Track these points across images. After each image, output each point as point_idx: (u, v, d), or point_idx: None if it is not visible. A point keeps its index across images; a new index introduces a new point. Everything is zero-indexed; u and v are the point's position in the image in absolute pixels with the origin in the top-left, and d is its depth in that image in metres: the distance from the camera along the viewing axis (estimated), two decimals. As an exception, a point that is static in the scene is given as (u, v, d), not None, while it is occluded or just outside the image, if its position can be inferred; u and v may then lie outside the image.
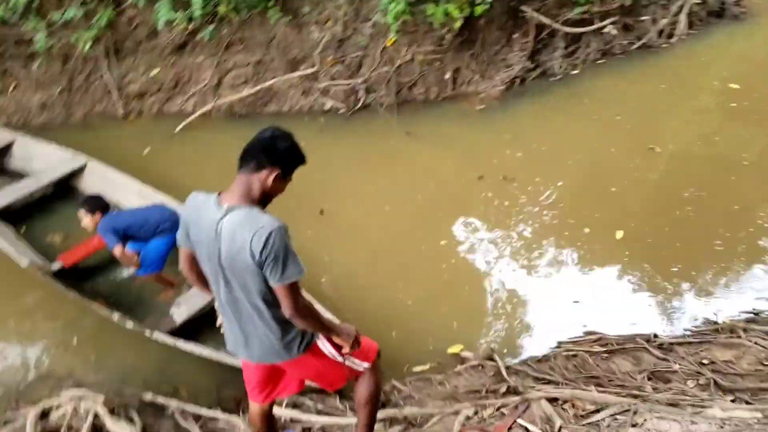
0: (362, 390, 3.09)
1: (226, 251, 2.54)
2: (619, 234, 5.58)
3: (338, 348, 2.90)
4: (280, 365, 2.89)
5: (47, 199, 6.25)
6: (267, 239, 2.43)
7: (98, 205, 5.07)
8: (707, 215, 5.74)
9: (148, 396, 4.34)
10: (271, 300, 2.63)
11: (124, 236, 4.94)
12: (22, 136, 6.70)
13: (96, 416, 3.91)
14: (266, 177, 2.57)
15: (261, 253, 2.44)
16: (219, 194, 2.66)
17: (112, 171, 6.14)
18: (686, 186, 6.07)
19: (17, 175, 6.57)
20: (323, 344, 2.88)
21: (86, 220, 5.04)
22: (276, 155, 2.59)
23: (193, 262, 2.83)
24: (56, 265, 5.30)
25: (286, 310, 2.57)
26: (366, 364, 3.00)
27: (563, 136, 6.84)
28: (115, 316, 4.76)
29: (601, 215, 5.85)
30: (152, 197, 5.75)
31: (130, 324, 4.69)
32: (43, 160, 6.49)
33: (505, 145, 6.78)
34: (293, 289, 2.54)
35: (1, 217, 5.82)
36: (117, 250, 4.87)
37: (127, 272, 5.47)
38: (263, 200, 2.64)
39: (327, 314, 4.22)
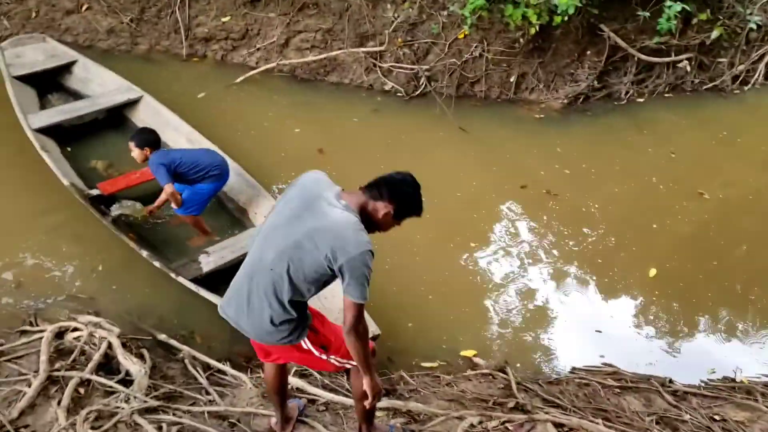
0: (357, 384, 3.10)
1: (317, 228, 2.62)
2: (653, 272, 5.50)
3: (322, 349, 2.93)
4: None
5: (98, 124, 6.32)
6: (363, 253, 2.58)
7: (150, 140, 5.05)
8: (745, 271, 5.61)
9: (162, 337, 4.40)
10: (297, 290, 2.70)
11: (174, 174, 4.95)
12: (84, 58, 6.78)
13: (109, 346, 3.97)
14: (381, 208, 2.75)
15: (352, 259, 2.56)
16: (342, 190, 2.81)
17: (166, 110, 6.19)
18: (729, 238, 5.93)
19: (74, 95, 6.67)
20: (306, 344, 2.90)
21: (136, 152, 5.05)
22: (398, 194, 2.77)
23: None
24: (95, 192, 5.38)
25: (346, 323, 2.67)
26: (354, 363, 2.97)
27: (614, 162, 6.74)
28: (144, 252, 4.81)
29: (637, 249, 5.76)
30: (201, 143, 5.79)
31: (157, 263, 4.74)
32: (101, 85, 6.57)
33: (554, 159, 6.70)
34: (358, 308, 2.65)
35: (51, 134, 5.91)
36: (169, 187, 4.88)
37: (136, 209, 5.47)
38: (366, 224, 2.75)
39: None
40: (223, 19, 7.53)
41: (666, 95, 7.72)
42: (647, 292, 5.40)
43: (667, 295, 5.37)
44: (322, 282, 2.72)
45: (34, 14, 7.64)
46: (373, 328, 4.18)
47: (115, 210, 5.32)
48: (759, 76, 7.89)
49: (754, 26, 7.43)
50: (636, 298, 5.36)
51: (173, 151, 5.22)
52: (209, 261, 4.93)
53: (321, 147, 6.41)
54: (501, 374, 4.31)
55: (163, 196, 5.03)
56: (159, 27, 7.66)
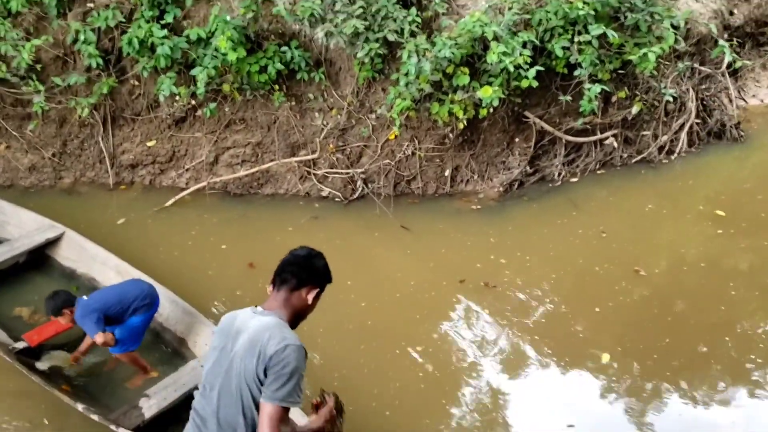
0: None
1: (241, 347, 2.51)
2: (606, 357, 5.34)
3: None
4: None
5: (19, 268, 6.00)
6: (284, 348, 2.43)
7: (60, 303, 4.76)
8: (697, 344, 5.49)
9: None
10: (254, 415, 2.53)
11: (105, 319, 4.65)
12: None
13: None
14: (306, 294, 2.68)
15: (272, 358, 2.42)
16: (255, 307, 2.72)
17: (91, 243, 5.93)
18: (674, 314, 5.83)
19: (-10, 241, 6.36)
20: None
21: (62, 320, 4.82)
22: (315, 274, 2.72)
23: None
24: (21, 344, 5.02)
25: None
26: None
27: (549, 247, 6.67)
28: (79, 406, 4.46)
29: (585, 336, 5.61)
30: (130, 274, 5.51)
31: (95, 416, 4.40)
32: (18, 227, 6.30)
33: (490, 250, 6.61)
34: (280, 414, 2.43)
35: None
36: (99, 338, 4.60)
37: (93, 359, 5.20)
38: (297, 318, 2.70)
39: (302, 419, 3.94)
40: (149, 144, 7.39)
41: (598, 172, 7.83)
42: (605, 379, 5.21)
43: (626, 380, 5.21)
44: None
45: (-53, 158, 7.38)
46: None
47: (44, 363, 4.97)
48: (683, 144, 8.12)
49: (671, 98, 7.68)
50: (595, 386, 5.15)
51: (95, 296, 4.84)
52: (151, 405, 4.59)
53: (251, 261, 6.20)
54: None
55: (88, 341, 4.76)
56: (83, 158, 7.46)
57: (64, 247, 6.09)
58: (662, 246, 6.81)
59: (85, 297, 4.78)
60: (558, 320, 5.77)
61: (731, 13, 8.98)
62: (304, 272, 2.66)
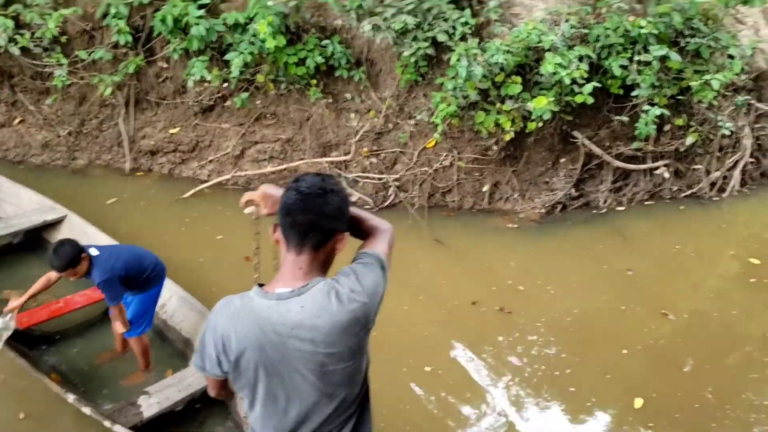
0: None
1: (311, 342, 1.94)
2: (639, 402, 4.71)
3: None
4: None
5: (12, 248, 5.55)
6: (372, 295, 2.03)
7: (76, 256, 3.90)
8: (745, 399, 4.84)
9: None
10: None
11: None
12: None
13: None
14: (335, 244, 2.04)
15: (365, 304, 2.01)
16: (260, 286, 2.01)
17: (94, 229, 5.44)
18: (708, 362, 5.20)
19: (-16, 218, 5.91)
20: None
21: (73, 273, 3.95)
22: (339, 216, 2.01)
23: (225, 384, 2.15)
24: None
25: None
26: None
27: (572, 280, 6.07)
28: (71, 397, 3.94)
29: (613, 377, 4.96)
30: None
31: (87, 409, 3.87)
32: (16, 206, 5.87)
33: (508, 274, 6.06)
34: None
35: None
36: (116, 310, 4.00)
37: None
38: (327, 267, 2.08)
39: None
40: (172, 131, 6.96)
41: (646, 203, 7.31)
42: (641, 426, 4.58)
43: (666, 428, 4.57)
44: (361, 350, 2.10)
45: (-43, 127, 6.95)
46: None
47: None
48: (734, 183, 7.60)
49: (727, 132, 7.19)
50: (630, 429, 4.57)
51: (113, 254, 4.10)
52: (151, 404, 4.06)
53: (249, 255, 5.62)
54: None
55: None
56: (100, 140, 7.04)
57: (65, 231, 5.61)
58: (690, 290, 6.23)
59: (94, 251, 4.02)
60: (583, 359, 5.14)
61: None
62: (327, 220, 1.96)
